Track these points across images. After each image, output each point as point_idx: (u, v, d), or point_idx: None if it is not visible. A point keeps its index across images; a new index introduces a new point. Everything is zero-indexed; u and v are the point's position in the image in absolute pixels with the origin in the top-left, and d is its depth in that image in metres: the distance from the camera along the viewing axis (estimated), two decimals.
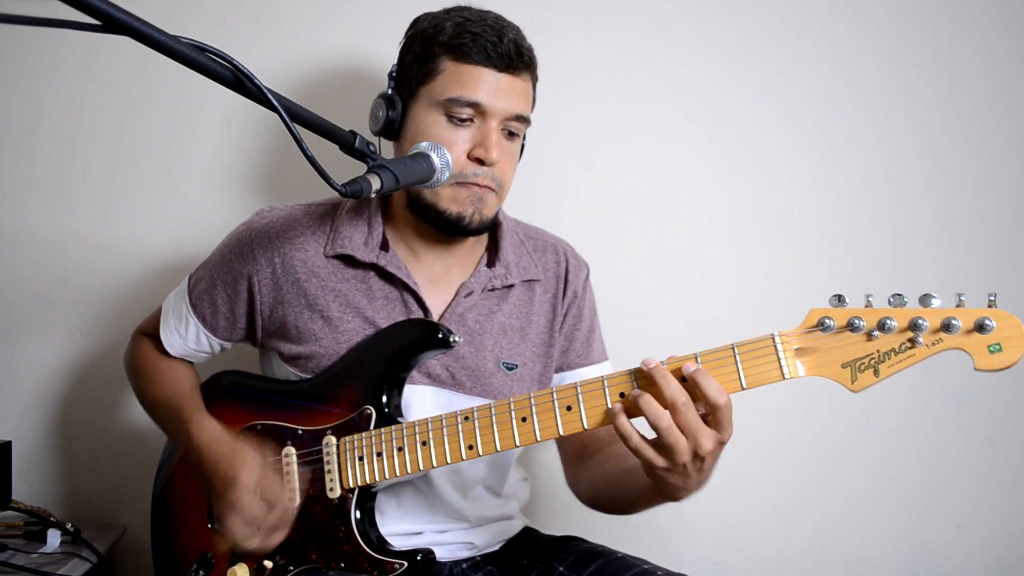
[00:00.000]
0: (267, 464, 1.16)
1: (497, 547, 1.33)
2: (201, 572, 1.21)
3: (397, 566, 1.11)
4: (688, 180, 1.71)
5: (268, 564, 1.17)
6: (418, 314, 1.22)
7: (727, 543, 1.73)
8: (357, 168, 0.99)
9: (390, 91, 1.22)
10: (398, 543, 1.18)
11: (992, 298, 0.87)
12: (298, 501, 1.17)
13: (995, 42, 1.69)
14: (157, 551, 1.32)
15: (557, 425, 1.03)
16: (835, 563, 1.72)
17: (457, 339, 1.15)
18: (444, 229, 1.20)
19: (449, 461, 1.09)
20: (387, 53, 1.35)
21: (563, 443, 1.35)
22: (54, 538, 1.51)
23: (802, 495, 1.72)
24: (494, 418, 1.07)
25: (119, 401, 1.73)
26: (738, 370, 0.95)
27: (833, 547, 1.73)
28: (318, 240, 1.24)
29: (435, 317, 1.23)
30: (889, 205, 1.70)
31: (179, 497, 1.29)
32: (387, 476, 1.12)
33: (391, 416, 1.15)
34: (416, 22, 1.23)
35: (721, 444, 0.96)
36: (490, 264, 1.28)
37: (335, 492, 1.15)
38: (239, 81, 0.85)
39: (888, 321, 0.89)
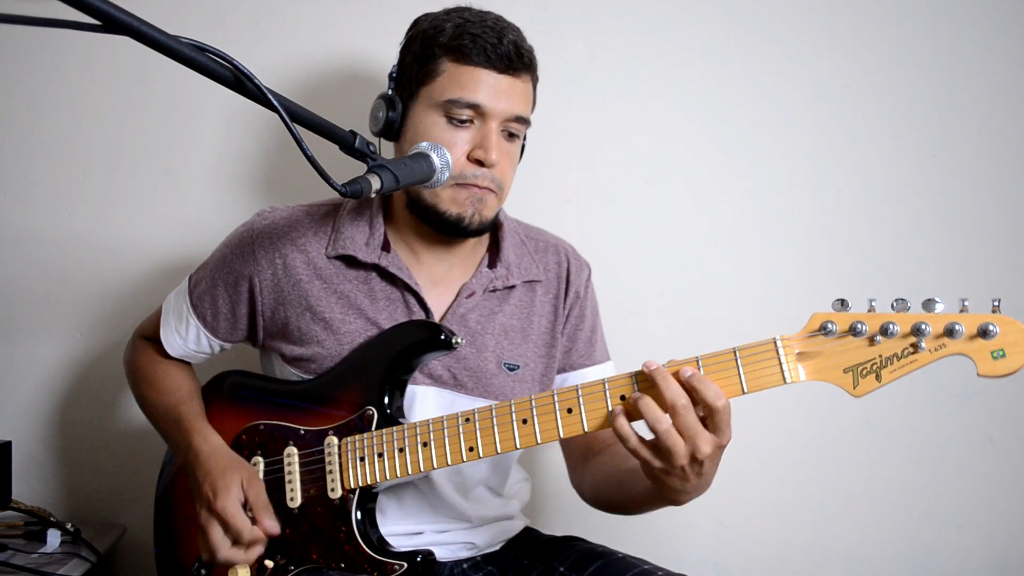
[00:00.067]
0: (259, 480, 1.16)
1: (498, 547, 1.33)
2: (203, 572, 1.21)
3: (397, 567, 1.11)
4: (688, 180, 1.70)
5: (269, 564, 1.17)
6: (419, 315, 1.22)
7: (727, 543, 1.74)
8: (357, 168, 0.99)
9: (390, 92, 1.22)
10: (399, 543, 1.18)
11: (996, 303, 0.87)
12: (299, 501, 1.17)
13: (995, 42, 1.69)
14: (160, 551, 1.32)
15: (558, 427, 1.03)
16: (835, 563, 1.73)
17: (460, 341, 1.15)
18: (444, 230, 1.20)
19: (450, 462, 1.09)
20: (387, 53, 1.35)
21: (567, 443, 1.35)
22: (54, 538, 1.51)
23: (802, 495, 1.72)
24: (495, 420, 1.07)
25: (119, 401, 1.73)
26: (739, 374, 0.95)
27: (833, 547, 1.73)
28: (319, 241, 1.24)
29: (436, 318, 1.23)
30: (889, 205, 1.70)
31: (182, 497, 1.29)
32: (388, 477, 1.12)
33: (393, 417, 1.15)
34: (416, 23, 1.23)
35: (720, 448, 0.96)
36: (491, 265, 1.28)
37: (336, 492, 1.15)
38: (239, 81, 0.85)
39: (891, 326, 0.89)
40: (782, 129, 1.70)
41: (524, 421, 1.05)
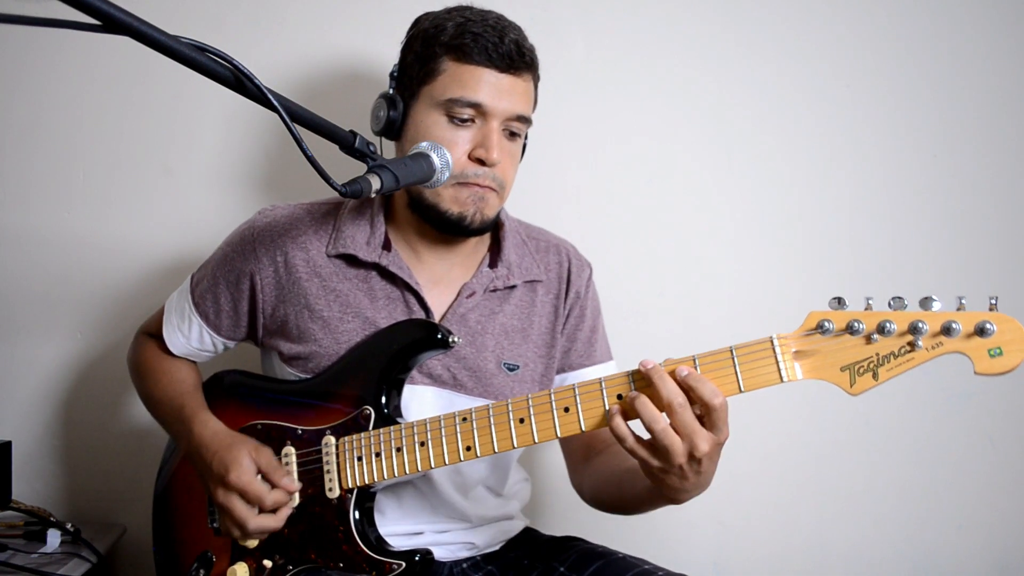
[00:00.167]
0: (267, 448, 1.16)
1: (497, 547, 1.33)
2: (202, 571, 1.21)
3: (395, 566, 1.11)
4: (688, 180, 1.71)
5: (267, 563, 1.17)
6: (419, 314, 1.22)
7: (727, 543, 1.73)
8: (357, 168, 0.99)
9: (391, 91, 1.22)
10: (398, 543, 1.18)
11: (993, 301, 0.87)
12: (296, 492, 1.17)
13: (995, 42, 1.69)
14: (158, 550, 1.33)
15: (555, 427, 1.03)
16: (835, 563, 1.72)
17: (457, 340, 1.15)
18: (445, 229, 1.20)
19: (447, 462, 1.09)
20: (387, 53, 1.35)
21: (567, 443, 1.35)
22: (54, 538, 1.51)
23: (802, 495, 1.72)
24: (492, 419, 1.07)
25: (119, 401, 1.73)
26: (736, 373, 0.95)
27: (833, 547, 1.73)
28: (320, 239, 1.24)
29: (437, 317, 1.23)
30: (889, 205, 1.70)
31: (181, 496, 1.29)
32: (385, 476, 1.12)
33: (390, 416, 1.15)
34: (417, 22, 1.23)
35: (718, 446, 0.96)
36: (492, 265, 1.28)
37: (334, 492, 1.15)
38: (239, 81, 0.85)
39: (888, 324, 0.89)
40: (782, 129, 1.70)
41: (521, 420, 1.05)
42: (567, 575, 1.21)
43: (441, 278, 1.26)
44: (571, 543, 1.29)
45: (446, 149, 1.07)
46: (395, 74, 1.23)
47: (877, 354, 0.90)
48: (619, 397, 1.00)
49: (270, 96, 0.86)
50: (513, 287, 1.29)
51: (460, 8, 1.20)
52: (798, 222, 1.70)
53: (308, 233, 1.24)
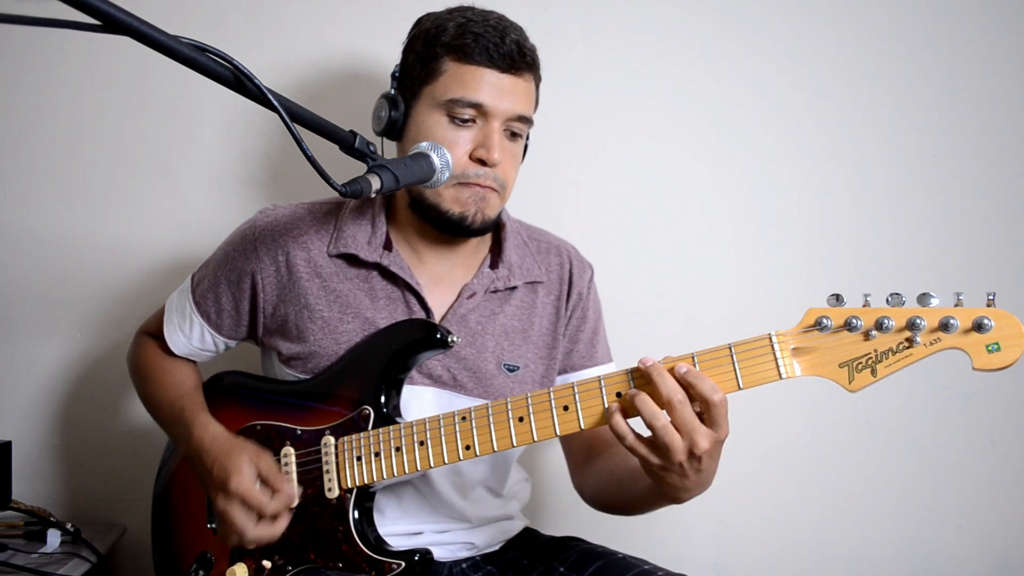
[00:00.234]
0: (268, 454, 1.16)
1: (497, 547, 1.33)
2: (201, 572, 1.21)
3: (395, 566, 1.11)
4: (688, 180, 1.71)
5: (267, 564, 1.17)
6: (420, 315, 1.22)
7: (727, 543, 1.73)
8: (357, 168, 0.99)
9: (393, 91, 1.22)
10: (398, 543, 1.18)
11: (991, 297, 0.87)
12: (296, 501, 1.17)
13: (995, 42, 1.69)
14: (157, 551, 1.32)
15: (554, 425, 1.03)
16: (835, 563, 1.72)
17: (456, 339, 1.15)
18: (447, 229, 1.20)
19: (447, 461, 1.09)
20: (387, 53, 1.35)
21: (568, 444, 1.35)
22: (54, 538, 1.51)
23: (802, 495, 1.72)
24: (491, 418, 1.07)
25: (119, 401, 1.73)
26: (735, 370, 0.95)
27: (833, 547, 1.72)
28: (322, 239, 1.24)
29: (437, 318, 1.24)
30: (889, 205, 1.70)
31: (180, 498, 1.29)
32: (385, 476, 1.12)
33: (389, 416, 1.15)
34: (419, 22, 1.23)
35: (719, 444, 0.96)
36: (493, 265, 1.28)
37: (333, 492, 1.15)
38: (239, 81, 0.85)
39: (886, 320, 0.89)
40: (782, 129, 1.70)
41: (520, 419, 1.05)
42: (567, 575, 1.21)
43: (442, 278, 1.26)
44: (571, 543, 1.29)
45: (446, 149, 1.07)
46: (396, 74, 1.23)
47: (875, 350, 0.91)
48: (618, 395, 1.00)
49: (270, 96, 0.86)
50: (514, 288, 1.29)
51: (461, 9, 1.21)
52: (798, 221, 1.70)
53: (309, 233, 1.25)
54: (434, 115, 1.16)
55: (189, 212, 1.70)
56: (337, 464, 1.15)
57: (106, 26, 0.72)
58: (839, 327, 0.92)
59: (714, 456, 0.97)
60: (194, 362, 1.38)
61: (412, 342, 1.16)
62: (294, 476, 1.18)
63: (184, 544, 1.26)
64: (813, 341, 0.94)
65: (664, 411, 0.95)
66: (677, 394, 0.94)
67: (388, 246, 1.24)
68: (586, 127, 1.69)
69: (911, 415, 1.70)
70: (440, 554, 1.24)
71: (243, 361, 1.46)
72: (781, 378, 0.94)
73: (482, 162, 1.16)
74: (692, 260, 1.71)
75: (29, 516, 1.58)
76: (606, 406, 1.00)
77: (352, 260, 1.23)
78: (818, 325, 0.92)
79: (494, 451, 1.07)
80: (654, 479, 1.01)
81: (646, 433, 0.97)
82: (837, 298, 0.92)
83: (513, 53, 1.15)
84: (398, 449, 1.11)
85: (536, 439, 1.05)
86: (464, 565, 1.29)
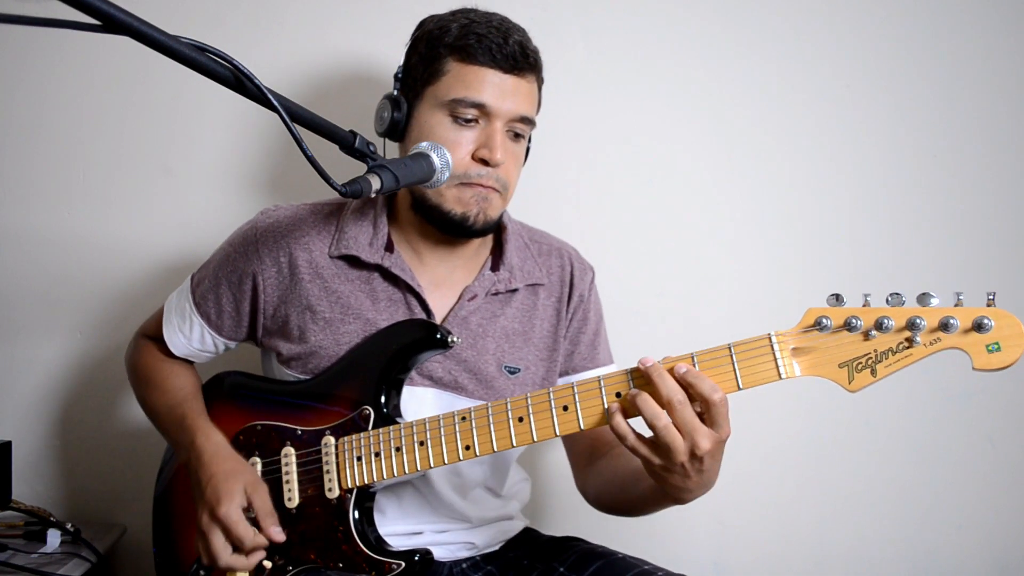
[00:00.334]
0: (264, 488, 1.16)
1: (497, 547, 1.33)
2: (202, 572, 1.21)
3: (395, 566, 1.11)
4: (688, 180, 1.71)
5: (267, 564, 1.17)
6: (420, 316, 1.22)
7: (727, 543, 1.73)
8: (357, 168, 0.99)
9: (395, 92, 1.22)
10: (398, 543, 1.18)
11: (991, 297, 0.87)
12: (296, 501, 1.17)
13: (995, 42, 1.69)
14: (158, 551, 1.32)
15: (554, 425, 1.03)
16: (835, 563, 1.72)
17: (456, 340, 1.15)
18: (448, 230, 1.20)
19: (446, 461, 1.09)
20: (387, 54, 1.35)
21: (571, 445, 1.36)
22: (54, 538, 1.51)
23: (802, 495, 1.72)
24: (491, 418, 1.07)
25: (120, 401, 1.73)
26: (735, 370, 0.95)
27: (833, 547, 1.72)
28: (323, 240, 1.24)
29: (438, 320, 1.24)
30: (889, 205, 1.70)
31: (181, 498, 1.29)
32: (385, 476, 1.12)
33: (389, 416, 1.15)
34: (422, 24, 1.24)
35: (720, 444, 0.96)
36: (494, 268, 1.28)
37: (333, 492, 1.15)
38: (239, 81, 0.85)
39: (885, 320, 0.89)
40: (782, 129, 1.70)
41: (520, 419, 1.05)
42: (567, 575, 1.21)
43: (443, 280, 1.26)
44: (571, 543, 1.29)
45: (447, 149, 1.07)
46: (399, 75, 1.23)
47: (875, 350, 0.91)
48: (618, 395, 1.00)
49: (270, 96, 0.86)
50: (515, 290, 1.29)
51: (464, 10, 1.21)
52: (798, 221, 1.70)
53: (311, 234, 1.25)
54: (437, 115, 1.16)
55: (189, 212, 1.70)
56: (337, 464, 1.15)
57: (106, 26, 0.72)
58: (839, 327, 0.92)
59: (716, 456, 0.97)
60: (193, 365, 1.38)
61: (412, 342, 1.16)
62: (295, 480, 1.18)
63: (185, 544, 1.26)
64: (813, 341, 0.94)
65: (665, 411, 0.95)
66: (677, 394, 0.94)
67: (389, 247, 1.24)
68: (586, 127, 1.69)
69: (911, 415, 1.70)
70: (440, 554, 1.24)
71: (243, 361, 1.46)
72: (781, 378, 0.94)
73: (484, 162, 1.16)
74: (692, 260, 1.71)
75: (29, 516, 1.58)
76: (606, 406, 1.00)
77: (353, 261, 1.23)
78: (818, 325, 0.92)
79: (494, 451, 1.07)
80: (656, 480, 1.01)
81: (647, 433, 0.97)
82: (837, 298, 0.92)
83: (516, 54, 1.15)
84: (398, 449, 1.11)
85: (536, 439, 1.05)
86: (464, 565, 1.29)
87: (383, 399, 1.15)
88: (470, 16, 1.18)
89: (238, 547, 1.12)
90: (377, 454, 1.13)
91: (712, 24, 1.69)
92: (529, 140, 1.26)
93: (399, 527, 1.24)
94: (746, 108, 1.69)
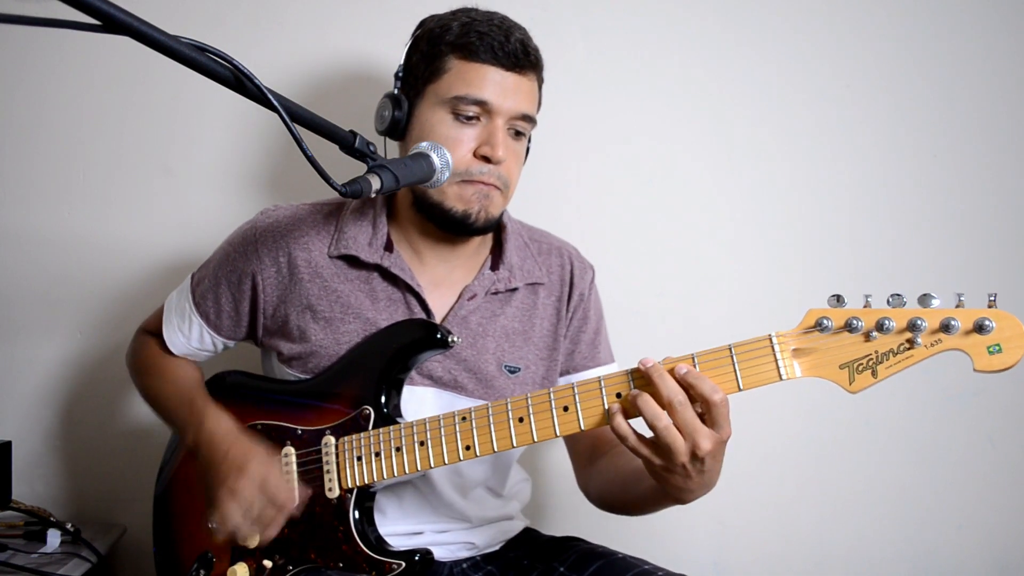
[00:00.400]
0: (277, 462, 1.16)
1: (497, 547, 1.33)
2: (202, 571, 1.21)
3: (395, 566, 1.11)
4: (688, 180, 1.71)
5: (267, 564, 1.17)
6: (420, 316, 1.22)
7: (727, 543, 1.73)
8: (357, 168, 0.99)
9: (396, 91, 1.22)
10: (399, 543, 1.18)
11: (992, 298, 0.87)
12: (297, 501, 1.17)
13: (995, 42, 1.69)
14: (158, 551, 1.32)
15: (554, 426, 1.03)
16: (835, 563, 1.72)
17: (456, 339, 1.15)
18: (449, 228, 1.20)
19: (447, 461, 1.09)
20: (387, 53, 1.35)
21: (573, 445, 1.36)
22: (54, 538, 1.51)
23: (802, 495, 1.72)
24: (491, 418, 1.07)
25: (119, 401, 1.73)
26: (735, 371, 0.95)
27: (833, 547, 1.73)
28: (323, 240, 1.24)
29: (438, 319, 1.24)
30: (889, 205, 1.70)
31: (181, 497, 1.29)
32: (385, 476, 1.12)
33: (390, 416, 1.15)
34: (423, 23, 1.24)
35: (721, 444, 0.96)
36: (494, 267, 1.28)
37: (334, 492, 1.15)
38: (239, 81, 0.85)
39: (886, 322, 0.89)
40: (782, 129, 1.70)
41: (520, 419, 1.05)
42: (567, 575, 1.21)
43: (443, 280, 1.26)
44: (571, 543, 1.29)
45: (447, 149, 1.07)
46: (400, 74, 1.23)
47: (876, 351, 0.90)
48: (618, 396, 1.00)
49: (270, 96, 0.86)
50: (515, 289, 1.29)
51: (465, 9, 1.21)
52: (798, 221, 1.70)
53: (311, 234, 1.24)
54: (438, 113, 1.16)
55: (189, 212, 1.70)
56: (337, 464, 1.15)
57: (106, 26, 0.72)
58: (840, 328, 0.92)
59: (717, 457, 0.97)
60: (194, 362, 1.38)
61: (412, 342, 1.16)
62: (295, 479, 1.18)
63: (185, 544, 1.26)
64: (813, 342, 0.94)
65: (665, 412, 0.95)
66: (678, 395, 0.94)
67: (389, 247, 1.23)
68: (586, 127, 1.69)
69: (911, 415, 1.70)
70: (440, 554, 1.24)
71: (243, 361, 1.46)
72: (781, 379, 0.94)
73: (486, 159, 1.16)
74: (692, 260, 1.71)
75: (29, 516, 1.58)
76: (607, 407, 1.00)
77: (353, 261, 1.23)
78: (818, 326, 0.92)
79: (494, 451, 1.07)
80: (658, 480, 1.01)
81: (648, 434, 0.97)
82: (838, 299, 0.92)
83: (518, 52, 1.15)
84: (398, 449, 1.11)
85: (536, 439, 1.04)
86: (464, 565, 1.29)
87: (383, 399, 1.15)
88: (471, 15, 1.18)
89: (253, 520, 1.11)
90: (377, 454, 1.13)
91: (712, 24, 1.69)
92: (529, 139, 1.26)
93: (399, 527, 1.24)
94: (746, 108, 1.69)
